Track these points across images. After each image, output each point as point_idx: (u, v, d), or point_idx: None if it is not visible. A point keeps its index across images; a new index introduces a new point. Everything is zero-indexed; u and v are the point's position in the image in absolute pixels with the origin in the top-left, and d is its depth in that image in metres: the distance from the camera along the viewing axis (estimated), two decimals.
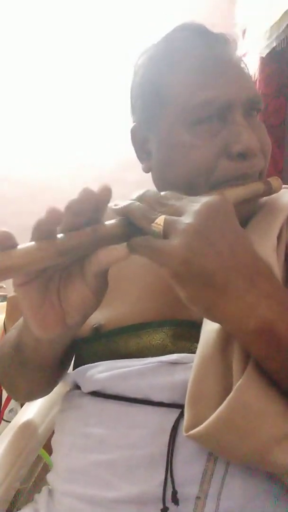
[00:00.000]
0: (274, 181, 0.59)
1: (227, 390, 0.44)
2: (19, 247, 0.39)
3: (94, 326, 0.59)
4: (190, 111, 0.57)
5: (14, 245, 0.39)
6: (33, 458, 0.73)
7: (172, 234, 0.39)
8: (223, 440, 0.43)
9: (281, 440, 0.42)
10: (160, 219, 0.40)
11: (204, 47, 0.59)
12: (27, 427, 0.74)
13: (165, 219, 0.40)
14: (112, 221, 0.43)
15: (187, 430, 0.44)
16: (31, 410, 0.77)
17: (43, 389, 0.68)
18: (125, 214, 0.43)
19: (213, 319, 0.42)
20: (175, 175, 0.59)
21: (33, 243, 0.40)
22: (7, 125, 1.89)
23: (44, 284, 0.44)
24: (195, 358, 0.47)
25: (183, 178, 0.58)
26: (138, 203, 0.43)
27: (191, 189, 0.56)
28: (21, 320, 0.68)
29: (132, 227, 0.43)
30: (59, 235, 0.41)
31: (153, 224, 0.41)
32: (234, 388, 0.42)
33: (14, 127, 1.89)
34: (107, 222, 0.43)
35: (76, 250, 0.41)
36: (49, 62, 1.86)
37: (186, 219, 0.39)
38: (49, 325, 0.44)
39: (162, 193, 0.44)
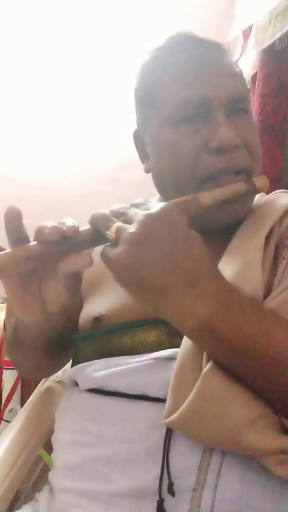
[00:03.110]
0: (259, 180, 0.59)
1: None
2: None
3: (95, 316, 0.61)
4: (172, 110, 0.59)
5: None
6: (33, 458, 0.74)
7: (119, 242, 0.44)
8: (196, 425, 0.46)
9: (253, 422, 0.44)
10: (113, 227, 0.45)
11: (190, 51, 0.62)
12: (27, 427, 0.74)
13: (116, 227, 0.45)
14: (83, 228, 0.48)
15: (166, 418, 0.47)
16: (31, 411, 0.77)
17: (40, 368, 0.74)
18: (92, 223, 0.48)
19: (162, 317, 0.46)
20: (164, 173, 0.62)
21: (8, 250, 0.47)
22: (8, 125, 1.88)
23: (26, 277, 0.50)
24: (179, 351, 0.50)
25: (170, 176, 0.61)
26: (102, 211, 0.48)
27: (178, 186, 0.60)
28: None
29: (99, 233, 0.48)
30: (33, 243, 0.47)
31: (107, 232, 0.46)
32: (201, 375, 0.45)
33: (15, 127, 1.88)
34: (80, 229, 0.48)
35: (46, 256, 0.47)
36: (51, 63, 1.86)
37: (131, 228, 0.44)
38: (31, 311, 0.51)
39: (133, 200, 0.49)
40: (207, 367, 0.46)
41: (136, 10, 1.83)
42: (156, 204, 0.46)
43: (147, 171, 0.68)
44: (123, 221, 0.46)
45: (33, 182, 1.88)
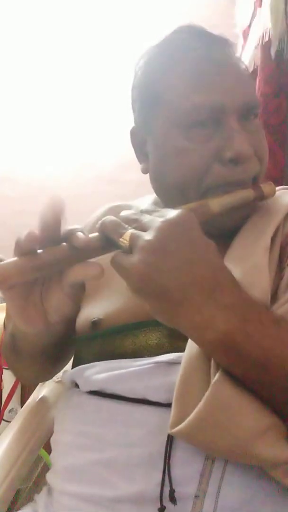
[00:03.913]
0: (267, 186, 0.58)
1: None
2: (0, 263, 0.44)
3: (93, 320, 0.60)
4: (183, 115, 0.56)
5: None
6: (33, 458, 0.73)
7: (134, 250, 0.42)
8: (205, 436, 0.44)
9: (263, 433, 0.43)
10: (127, 235, 0.43)
11: (201, 50, 0.58)
12: (27, 427, 0.74)
13: (130, 234, 0.43)
14: (91, 235, 0.46)
15: (172, 428, 0.45)
16: (30, 411, 0.77)
17: (40, 374, 0.72)
18: (102, 229, 0.46)
19: (176, 328, 0.44)
20: (168, 178, 0.59)
21: (13, 259, 0.44)
22: (8, 125, 1.89)
23: (28, 287, 0.48)
24: (183, 357, 0.48)
25: (175, 182, 0.58)
26: (112, 217, 0.46)
27: (183, 193, 0.57)
28: None
29: (108, 241, 0.45)
30: (39, 251, 0.45)
31: (120, 239, 0.43)
32: (210, 385, 0.43)
33: (15, 127, 1.89)
34: (89, 235, 0.46)
35: (53, 265, 0.45)
36: (50, 63, 1.86)
37: (147, 236, 0.41)
38: (32, 322, 0.49)
39: (143, 207, 0.47)
40: (216, 376, 0.44)
41: (136, 10, 1.83)
42: (170, 211, 0.44)
43: (144, 172, 0.64)
44: (136, 228, 0.44)
45: (33, 182, 1.88)
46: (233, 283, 0.43)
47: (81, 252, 0.45)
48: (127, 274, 0.42)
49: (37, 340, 0.58)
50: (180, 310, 0.41)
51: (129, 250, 0.42)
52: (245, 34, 1.52)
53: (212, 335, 0.41)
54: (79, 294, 0.49)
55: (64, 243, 0.45)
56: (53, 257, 0.44)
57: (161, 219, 0.42)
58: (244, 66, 0.61)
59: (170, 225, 0.42)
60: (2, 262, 0.44)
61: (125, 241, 0.43)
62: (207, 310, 0.41)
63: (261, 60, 1.31)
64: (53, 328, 0.53)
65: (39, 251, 0.45)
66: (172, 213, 0.43)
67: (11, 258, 0.44)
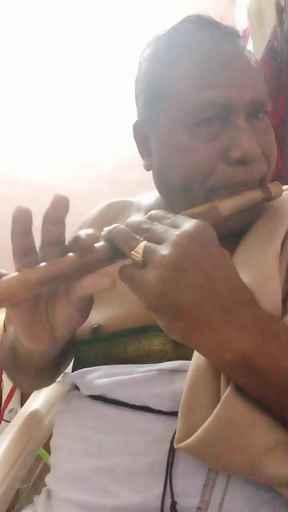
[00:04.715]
0: (274, 187, 0.56)
1: (219, 401, 0.43)
2: (2, 279, 0.41)
3: (94, 326, 0.58)
4: (190, 112, 0.54)
5: None
6: (33, 458, 0.74)
7: (149, 264, 0.39)
8: (213, 452, 0.42)
9: (272, 450, 0.41)
10: (140, 247, 0.40)
11: (209, 42, 0.55)
12: (27, 427, 0.74)
13: (144, 247, 0.40)
14: (98, 245, 0.43)
15: (178, 442, 0.43)
16: (30, 411, 0.77)
17: (42, 384, 0.71)
18: (110, 239, 0.43)
19: (191, 347, 0.42)
20: (172, 177, 0.57)
21: (15, 274, 0.41)
22: (8, 125, 1.88)
23: (33, 303, 0.45)
24: (190, 368, 0.46)
25: (180, 181, 0.56)
26: (121, 227, 0.43)
27: (187, 193, 0.55)
28: None
29: (117, 251, 0.42)
30: (42, 264, 0.41)
31: (132, 252, 0.40)
32: (221, 400, 0.42)
33: (15, 127, 1.88)
34: (95, 245, 0.43)
35: (59, 278, 0.41)
36: (50, 63, 1.86)
37: (163, 250, 0.39)
38: (39, 339, 0.46)
39: (151, 212, 0.44)
40: (227, 390, 0.42)
41: (136, 10, 1.83)
42: (184, 220, 0.41)
43: (147, 169, 0.62)
44: (148, 239, 0.41)
45: (33, 182, 1.87)
46: (251, 300, 0.42)
47: (87, 263, 0.42)
48: (142, 290, 0.40)
49: (42, 355, 0.55)
50: (197, 329, 0.39)
51: (142, 264, 0.40)
52: (245, 34, 1.53)
53: (230, 355, 0.39)
54: (88, 306, 0.47)
55: (70, 254, 0.42)
56: (58, 269, 0.41)
57: (177, 232, 0.40)
58: (254, 60, 0.58)
59: (187, 239, 0.39)
60: (5, 278, 0.41)
61: (138, 255, 0.40)
62: (226, 330, 0.39)
63: (261, 59, 1.32)
64: (59, 343, 0.51)
65: (43, 263, 0.42)
66: (187, 224, 0.40)
67: (13, 273, 0.41)
